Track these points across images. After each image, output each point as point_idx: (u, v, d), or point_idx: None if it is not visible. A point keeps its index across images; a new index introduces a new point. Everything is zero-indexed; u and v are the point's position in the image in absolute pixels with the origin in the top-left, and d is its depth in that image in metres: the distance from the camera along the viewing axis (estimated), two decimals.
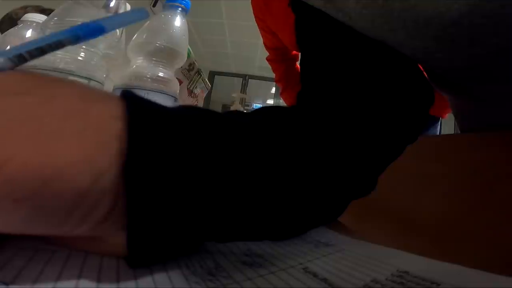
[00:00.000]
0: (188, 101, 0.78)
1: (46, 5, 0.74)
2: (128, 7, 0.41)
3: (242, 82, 4.84)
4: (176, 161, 0.14)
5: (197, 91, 0.80)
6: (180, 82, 0.67)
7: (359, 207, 0.53)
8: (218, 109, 5.45)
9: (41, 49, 0.15)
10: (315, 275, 0.16)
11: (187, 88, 0.73)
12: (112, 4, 0.33)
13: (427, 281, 0.15)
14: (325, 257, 0.19)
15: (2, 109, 0.11)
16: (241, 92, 4.48)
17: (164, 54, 0.37)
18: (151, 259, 0.15)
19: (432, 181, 0.44)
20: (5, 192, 0.11)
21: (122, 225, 0.13)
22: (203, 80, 0.81)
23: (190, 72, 0.68)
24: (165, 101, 0.37)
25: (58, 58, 0.28)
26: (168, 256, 0.16)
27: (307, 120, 0.24)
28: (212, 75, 4.84)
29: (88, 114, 0.13)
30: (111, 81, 0.36)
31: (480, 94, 0.33)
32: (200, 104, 0.87)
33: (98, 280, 0.13)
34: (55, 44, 0.16)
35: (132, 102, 0.14)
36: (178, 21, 0.40)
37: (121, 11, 0.34)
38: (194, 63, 0.68)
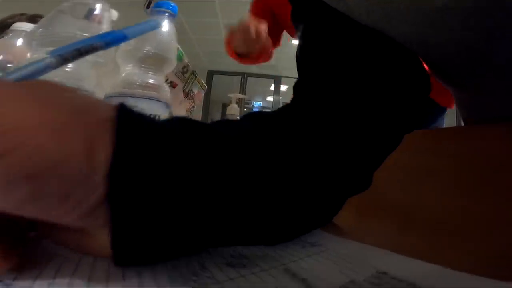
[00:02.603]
0: (185, 102, 0.78)
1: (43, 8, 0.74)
2: (115, 14, 0.41)
3: (241, 80, 4.84)
4: (155, 166, 0.15)
5: (194, 92, 0.81)
6: (175, 85, 0.68)
7: (355, 201, 0.53)
8: (218, 107, 5.46)
9: (79, 51, 0.19)
10: (294, 275, 0.16)
11: (183, 90, 0.74)
12: (95, 12, 0.33)
13: (404, 282, 0.15)
14: (309, 257, 0.19)
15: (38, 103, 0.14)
16: (240, 91, 4.48)
17: (153, 61, 0.38)
18: (134, 257, 0.16)
19: (428, 174, 0.44)
20: (22, 166, 0.12)
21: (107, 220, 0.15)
22: (199, 81, 0.82)
23: (184, 74, 0.69)
24: (157, 107, 0.37)
25: None
26: (153, 256, 0.17)
27: (300, 120, 0.24)
28: (211, 74, 4.84)
29: (88, 114, 0.15)
30: (103, 88, 0.37)
31: (477, 86, 0.33)
32: (198, 104, 0.88)
33: (89, 279, 0.14)
34: (91, 48, 0.19)
35: (122, 113, 0.16)
36: (165, 26, 0.40)
37: (105, 20, 0.34)
38: (187, 65, 0.68)
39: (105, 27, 0.34)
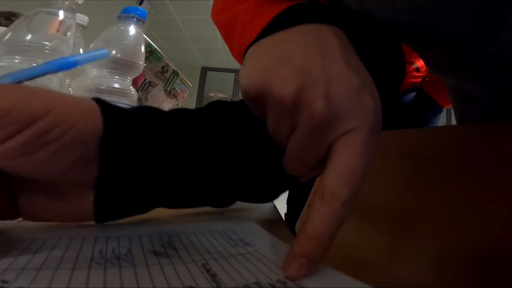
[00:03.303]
0: (167, 101, 0.80)
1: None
2: (85, 19, 0.42)
3: (235, 76, 4.83)
4: (130, 137, 0.20)
5: (177, 91, 0.82)
6: (155, 85, 0.69)
7: None
8: None
9: (35, 77, 0.24)
10: (208, 270, 0.18)
11: (164, 90, 0.75)
12: (60, 19, 0.34)
13: None
14: (233, 257, 0.20)
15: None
16: (233, 88, 4.47)
17: (119, 65, 0.39)
18: (113, 213, 0.21)
19: (395, 174, 0.46)
20: (49, 127, 0.16)
21: (93, 179, 0.19)
22: (182, 80, 0.83)
23: (164, 74, 0.70)
24: None
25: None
26: (126, 212, 0.22)
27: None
28: (204, 71, 4.84)
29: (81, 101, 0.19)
30: (72, 92, 0.38)
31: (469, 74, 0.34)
32: (181, 102, 0.89)
33: (87, 279, 0.16)
34: (44, 73, 0.25)
35: (100, 101, 0.20)
36: (132, 32, 0.42)
37: (72, 28, 0.35)
38: (167, 65, 0.70)
39: (72, 35, 0.34)
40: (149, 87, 0.65)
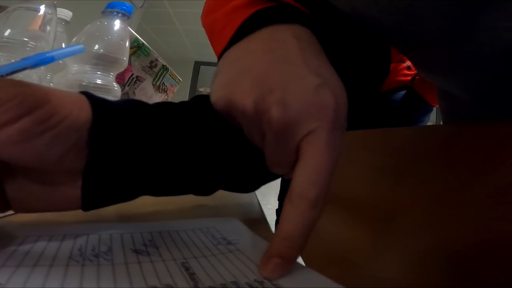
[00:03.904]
0: (156, 96, 0.79)
1: None
2: (69, 14, 0.41)
3: None
4: (117, 126, 0.21)
5: (166, 86, 0.82)
6: (142, 80, 0.68)
7: None
8: None
9: (13, 73, 0.25)
10: (187, 269, 0.18)
11: (153, 84, 0.75)
12: (40, 13, 0.33)
13: None
14: (214, 256, 0.20)
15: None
16: None
17: (100, 61, 0.39)
18: (99, 200, 0.21)
19: (382, 172, 0.46)
20: (48, 116, 0.18)
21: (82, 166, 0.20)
22: (172, 75, 0.82)
23: (153, 69, 0.69)
24: None
25: None
26: (111, 199, 0.22)
27: None
28: (198, 65, 4.82)
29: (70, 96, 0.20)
30: (55, 86, 0.37)
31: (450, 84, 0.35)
32: (171, 97, 0.88)
33: (81, 279, 0.16)
34: (22, 69, 0.26)
35: (87, 94, 0.21)
36: (116, 27, 0.41)
37: (52, 23, 0.34)
38: (156, 60, 0.69)
39: (52, 31, 0.34)
40: (137, 81, 0.65)
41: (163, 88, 0.81)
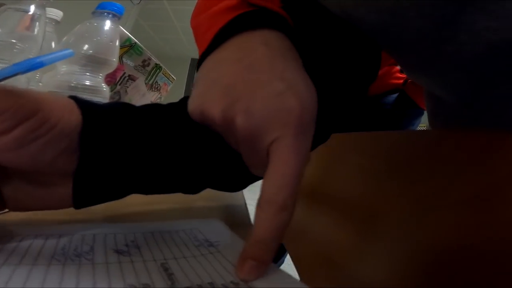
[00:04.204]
0: (149, 94, 0.79)
1: None
2: (60, 14, 0.41)
3: None
4: (105, 128, 0.22)
5: (159, 84, 0.82)
6: (135, 78, 0.69)
7: (307, 191, 0.55)
8: None
9: (3, 79, 0.26)
10: (166, 269, 0.18)
11: (146, 83, 0.75)
12: (30, 13, 0.33)
13: None
14: (194, 257, 0.21)
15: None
16: None
17: (89, 62, 0.39)
18: (89, 198, 0.22)
19: (370, 174, 0.47)
20: (40, 123, 0.19)
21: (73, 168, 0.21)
22: (165, 74, 0.83)
23: (145, 68, 0.70)
24: None
25: None
26: (101, 197, 0.23)
27: None
28: (195, 62, 4.79)
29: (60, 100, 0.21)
30: (42, 87, 0.37)
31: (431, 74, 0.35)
32: (164, 95, 0.88)
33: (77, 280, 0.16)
34: (14, 75, 0.26)
35: (75, 98, 0.22)
36: (106, 28, 0.41)
37: (40, 24, 0.34)
38: (149, 58, 0.69)
39: (40, 32, 0.34)
40: (129, 80, 0.65)
41: (156, 86, 0.81)
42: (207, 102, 0.23)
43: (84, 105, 0.22)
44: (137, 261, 0.19)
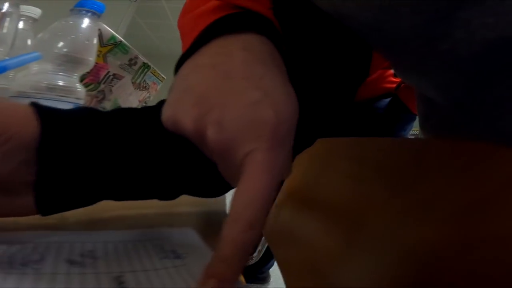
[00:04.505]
0: (136, 93, 0.78)
1: None
2: (37, 11, 0.40)
3: None
4: (67, 135, 0.21)
5: (148, 83, 0.81)
6: (121, 77, 0.67)
7: (297, 195, 0.55)
8: None
9: None
10: (121, 283, 0.17)
11: (133, 82, 0.74)
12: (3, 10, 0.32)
13: None
14: (156, 270, 0.20)
15: None
16: None
17: (63, 61, 0.37)
18: (55, 207, 0.22)
19: (358, 181, 0.46)
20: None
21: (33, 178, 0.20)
22: (154, 73, 0.82)
23: (132, 66, 0.69)
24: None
25: None
26: (68, 205, 0.22)
27: None
28: None
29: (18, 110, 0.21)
30: (13, 87, 0.36)
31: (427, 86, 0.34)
32: (153, 94, 0.88)
33: None
34: None
35: (35, 104, 0.22)
36: (82, 26, 0.40)
37: (12, 21, 0.33)
38: (136, 57, 0.68)
39: (11, 30, 0.33)
40: (114, 79, 0.64)
41: (144, 85, 0.80)
42: (179, 112, 0.21)
43: (44, 114, 0.21)
44: (89, 272, 0.18)
